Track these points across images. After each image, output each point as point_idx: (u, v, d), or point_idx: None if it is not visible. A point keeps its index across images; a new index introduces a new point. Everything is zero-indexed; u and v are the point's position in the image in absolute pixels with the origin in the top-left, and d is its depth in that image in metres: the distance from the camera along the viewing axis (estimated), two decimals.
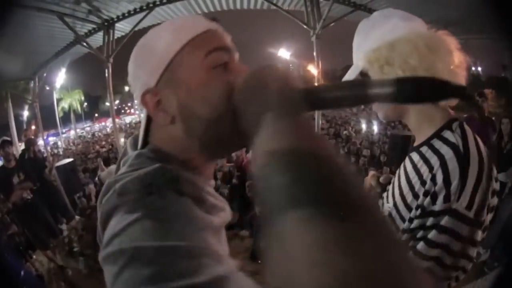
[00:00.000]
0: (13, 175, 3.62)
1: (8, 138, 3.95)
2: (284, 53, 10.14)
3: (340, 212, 0.25)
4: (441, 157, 0.72)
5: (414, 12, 0.82)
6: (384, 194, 0.95)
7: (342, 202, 0.26)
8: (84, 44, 4.55)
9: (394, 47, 0.75)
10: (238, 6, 5.01)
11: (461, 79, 0.75)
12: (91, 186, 6.04)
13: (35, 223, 3.76)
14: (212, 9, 4.96)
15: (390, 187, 0.93)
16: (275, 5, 4.56)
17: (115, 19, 4.47)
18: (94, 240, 4.01)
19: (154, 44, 0.50)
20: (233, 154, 6.12)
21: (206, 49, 0.48)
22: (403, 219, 0.81)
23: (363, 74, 0.82)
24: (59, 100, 21.86)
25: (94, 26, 4.53)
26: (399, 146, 4.69)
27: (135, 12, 4.34)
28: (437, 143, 0.76)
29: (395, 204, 0.85)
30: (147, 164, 0.45)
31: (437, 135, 0.77)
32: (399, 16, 0.81)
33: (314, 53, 4.26)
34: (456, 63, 0.75)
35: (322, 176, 0.28)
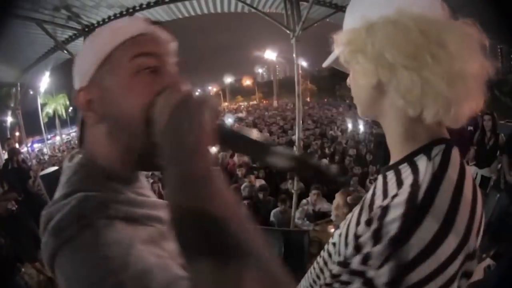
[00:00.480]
0: None
1: None
2: (270, 55, 10.35)
3: (225, 261, 0.31)
4: (393, 196, 0.49)
5: None
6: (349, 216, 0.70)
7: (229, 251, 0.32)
8: (65, 51, 4.55)
9: (372, 29, 0.52)
10: (219, 10, 5.07)
11: (475, 92, 0.50)
12: None
13: (22, 235, 3.69)
14: (192, 13, 5.03)
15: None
16: (254, 8, 4.64)
17: (96, 25, 4.49)
18: None
19: (92, 43, 0.50)
20: (219, 157, 6.19)
21: (132, 52, 0.47)
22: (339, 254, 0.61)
23: (337, 61, 0.62)
24: (43, 105, 21.24)
25: (74, 32, 4.54)
26: (383, 144, 4.85)
27: (115, 17, 4.37)
28: (405, 171, 0.53)
29: (341, 233, 0.63)
30: (77, 184, 0.47)
31: (410, 158, 0.54)
32: None
33: (294, 55, 4.35)
34: (474, 68, 0.49)
35: (216, 233, 0.33)
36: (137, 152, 0.49)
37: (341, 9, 4.92)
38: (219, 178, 0.38)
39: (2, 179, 3.69)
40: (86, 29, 4.48)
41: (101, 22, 4.45)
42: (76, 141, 0.75)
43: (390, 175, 0.57)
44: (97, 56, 0.48)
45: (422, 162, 0.51)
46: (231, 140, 0.45)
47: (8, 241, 4.12)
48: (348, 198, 1.06)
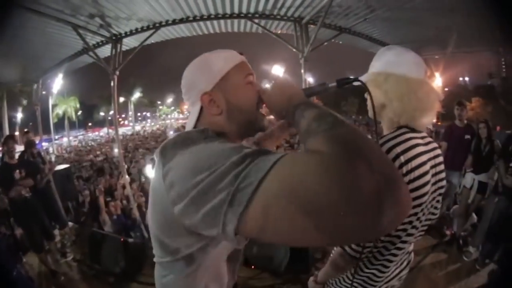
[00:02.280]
0: (14, 171, 3.62)
1: (12, 134, 4.03)
2: (278, 70, 10.84)
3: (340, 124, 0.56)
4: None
5: (394, 34, 1.21)
6: None
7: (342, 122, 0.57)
8: (93, 55, 4.87)
9: (388, 79, 1.05)
10: (236, 29, 5.46)
11: (430, 112, 1.05)
12: (86, 193, 5.99)
13: (32, 222, 3.70)
14: (211, 31, 5.41)
15: None
16: (267, 30, 5.01)
17: (123, 35, 4.85)
18: (87, 246, 4.00)
19: (210, 64, 0.82)
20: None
21: (245, 72, 0.84)
22: None
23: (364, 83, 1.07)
24: (54, 106, 21.68)
25: (103, 39, 4.89)
26: None
27: (142, 30, 4.72)
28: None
29: None
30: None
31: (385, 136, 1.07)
32: (410, 58, 1.07)
33: (302, 72, 4.70)
34: (431, 104, 1.04)
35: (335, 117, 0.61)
36: (247, 124, 0.85)
37: (345, 31, 5.35)
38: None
39: (21, 166, 3.76)
40: (114, 38, 4.83)
41: (128, 33, 4.81)
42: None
43: None
44: (218, 73, 0.81)
45: (386, 136, 1.05)
46: (311, 91, 0.86)
47: (11, 231, 4.18)
48: None
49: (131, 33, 4.79)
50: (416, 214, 1.02)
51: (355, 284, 1.15)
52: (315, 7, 4.27)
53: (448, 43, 5.52)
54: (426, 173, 1.01)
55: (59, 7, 3.49)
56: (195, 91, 0.83)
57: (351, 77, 0.83)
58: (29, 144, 4.54)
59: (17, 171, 3.63)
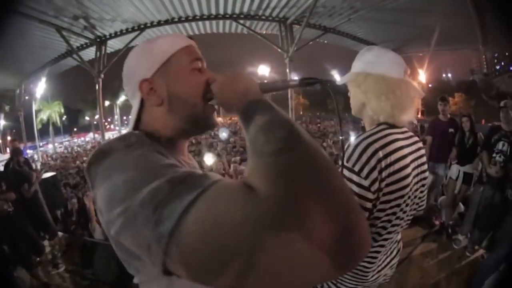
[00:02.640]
0: None
1: None
2: (263, 70, 10.75)
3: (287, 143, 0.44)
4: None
5: (377, 33, 1.21)
6: None
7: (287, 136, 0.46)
8: (77, 58, 4.78)
9: (366, 78, 1.10)
10: (221, 30, 5.49)
11: (409, 110, 1.09)
12: (74, 201, 5.84)
13: (17, 238, 3.54)
14: (197, 32, 5.41)
15: None
16: (252, 30, 5.04)
17: (108, 37, 4.79)
18: (79, 256, 3.80)
19: (152, 48, 0.69)
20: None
21: (191, 57, 0.70)
22: None
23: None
24: (38, 111, 21.05)
25: (87, 41, 4.81)
26: None
27: (127, 31, 4.67)
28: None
29: None
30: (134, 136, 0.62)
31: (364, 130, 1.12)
32: (389, 59, 1.11)
33: (287, 72, 4.76)
34: (410, 102, 1.08)
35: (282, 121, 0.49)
36: (192, 118, 0.72)
37: (329, 30, 5.42)
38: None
39: (1, 179, 3.58)
40: (98, 40, 4.77)
41: (113, 35, 4.75)
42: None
43: None
44: (161, 56, 0.69)
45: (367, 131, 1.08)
46: (269, 87, 0.74)
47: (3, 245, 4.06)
48: None
49: (115, 35, 4.74)
50: (399, 205, 1.07)
51: (346, 276, 1.17)
52: (300, 8, 4.31)
53: (430, 42, 5.67)
54: (406, 166, 1.06)
55: (42, 8, 3.42)
56: (135, 80, 0.71)
57: (318, 78, 0.84)
58: (16, 152, 4.34)
59: None
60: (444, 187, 4.12)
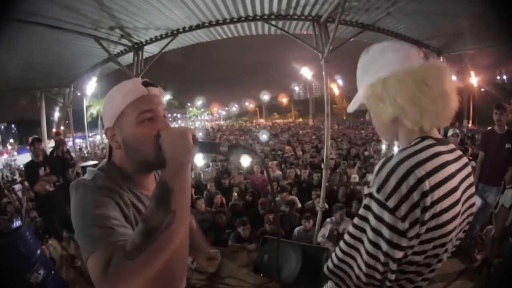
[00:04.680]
0: (39, 168, 4.03)
1: (38, 136, 4.45)
2: (306, 72, 10.52)
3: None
4: (382, 161, 0.81)
5: (421, 28, 0.98)
6: None
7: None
8: (116, 63, 5.08)
9: (386, 85, 0.84)
10: (254, 32, 5.41)
11: (453, 102, 0.83)
12: None
13: (52, 214, 4.09)
14: (230, 35, 5.40)
15: None
16: (285, 31, 4.88)
17: (144, 43, 4.99)
18: None
19: (112, 100, 0.85)
20: (255, 169, 6.61)
21: (141, 109, 0.83)
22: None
23: (363, 105, 0.95)
24: (88, 107, 22.98)
25: (125, 48, 5.07)
26: None
27: (161, 37, 4.82)
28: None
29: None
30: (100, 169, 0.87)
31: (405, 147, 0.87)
32: (394, 50, 0.87)
33: (324, 74, 4.42)
34: (447, 89, 0.82)
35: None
36: (145, 163, 0.86)
37: (367, 27, 5.00)
38: (187, 188, 0.76)
39: (46, 163, 4.16)
40: (135, 46, 4.99)
41: (148, 41, 4.95)
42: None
43: None
44: (116, 110, 0.84)
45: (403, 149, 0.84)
46: (201, 147, 0.82)
47: (41, 218, 4.63)
48: None
49: (151, 41, 4.93)
50: (443, 245, 0.83)
51: None
52: (332, 3, 3.97)
53: (481, 35, 4.99)
54: (456, 203, 0.80)
55: (80, 22, 3.67)
56: (104, 126, 0.89)
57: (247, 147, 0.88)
58: (59, 142, 5.29)
59: (42, 168, 4.07)
60: (493, 216, 3.44)
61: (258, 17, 4.47)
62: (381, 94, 0.85)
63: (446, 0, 3.84)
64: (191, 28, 4.62)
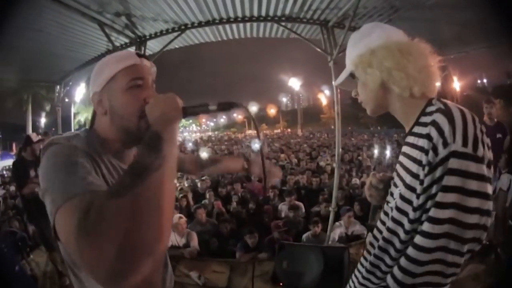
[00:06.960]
0: (31, 167, 3.66)
1: (31, 135, 4.05)
2: (294, 83, 11.12)
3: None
4: (431, 121, 0.82)
5: (417, 34, 0.97)
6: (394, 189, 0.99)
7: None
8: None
9: (374, 53, 0.91)
10: (261, 35, 5.35)
11: (435, 76, 0.91)
12: None
13: (44, 220, 3.66)
14: (236, 36, 5.32)
15: (392, 186, 1.01)
16: (296, 33, 4.91)
17: (148, 37, 4.78)
18: None
19: (104, 65, 0.86)
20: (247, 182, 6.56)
21: (132, 76, 0.84)
22: (410, 203, 0.86)
23: (352, 75, 1.00)
24: (76, 114, 22.39)
25: (127, 40, 4.84)
26: None
27: (167, 32, 4.64)
28: (424, 118, 0.86)
29: (400, 195, 0.90)
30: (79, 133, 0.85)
31: (423, 113, 0.88)
32: (383, 28, 0.96)
33: (333, 76, 4.43)
34: (430, 63, 0.90)
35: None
36: (126, 131, 0.85)
37: None
38: (176, 141, 0.72)
39: (37, 164, 3.75)
40: (138, 40, 4.77)
41: (153, 35, 4.74)
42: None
43: (412, 138, 0.89)
44: (107, 74, 0.84)
45: (431, 107, 0.87)
46: (190, 111, 0.80)
47: (23, 226, 4.22)
48: (378, 176, 1.12)
49: (155, 35, 4.73)
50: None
51: None
52: (341, 9, 4.14)
53: (466, 41, 5.19)
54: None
55: (86, 1, 3.41)
56: (91, 91, 0.87)
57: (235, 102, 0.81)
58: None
59: (33, 168, 3.65)
60: (493, 200, 3.74)
61: (269, 18, 4.44)
62: (369, 60, 0.92)
63: (439, 8, 4.04)
64: (200, 24, 4.48)
